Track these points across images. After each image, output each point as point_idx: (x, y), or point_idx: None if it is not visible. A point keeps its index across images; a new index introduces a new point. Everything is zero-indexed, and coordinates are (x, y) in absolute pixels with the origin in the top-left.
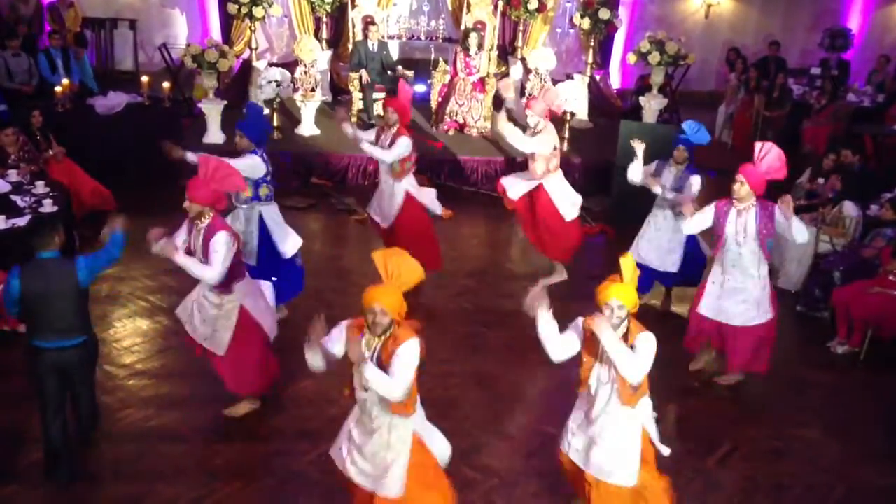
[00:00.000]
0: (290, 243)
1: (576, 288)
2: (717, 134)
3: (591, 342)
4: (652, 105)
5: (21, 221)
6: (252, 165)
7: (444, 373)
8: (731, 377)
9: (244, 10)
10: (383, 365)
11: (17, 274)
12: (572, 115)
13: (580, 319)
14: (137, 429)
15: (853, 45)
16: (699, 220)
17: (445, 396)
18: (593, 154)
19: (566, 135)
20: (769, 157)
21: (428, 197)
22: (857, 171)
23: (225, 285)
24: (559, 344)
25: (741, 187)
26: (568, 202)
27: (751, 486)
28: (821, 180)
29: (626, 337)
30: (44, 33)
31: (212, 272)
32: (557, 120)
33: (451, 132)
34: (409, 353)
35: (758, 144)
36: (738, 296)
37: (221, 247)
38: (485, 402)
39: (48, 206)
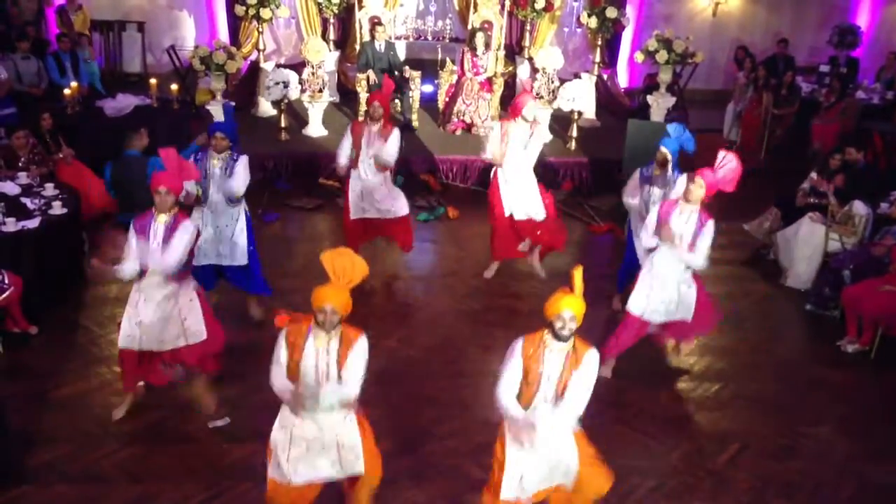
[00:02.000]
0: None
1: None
2: (726, 132)
3: (531, 361)
4: (660, 104)
5: (31, 224)
6: (245, 165)
7: (453, 373)
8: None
9: (251, 11)
10: (339, 364)
11: (109, 166)
12: (580, 113)
13: (518, 345)
14: (146, 429)
15: (862, 42)
16: (650, 225)
17: (455, 396)
18: (601, 153)
19: (574, 133)
20: (727, 167)
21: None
22: (862, 169)
23: (184, 274)
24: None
25: (697, 190)
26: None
27: (761, 485)
28: (811, 176)
29: (574, 351)
30: (51, 35)
31: (173, 256)
32: (566, 119)
33: (458, 132)
34: (363, 350)
35: (720, 153)
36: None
37: (187, 234)
38: (489, 400)
39: (58, 209)
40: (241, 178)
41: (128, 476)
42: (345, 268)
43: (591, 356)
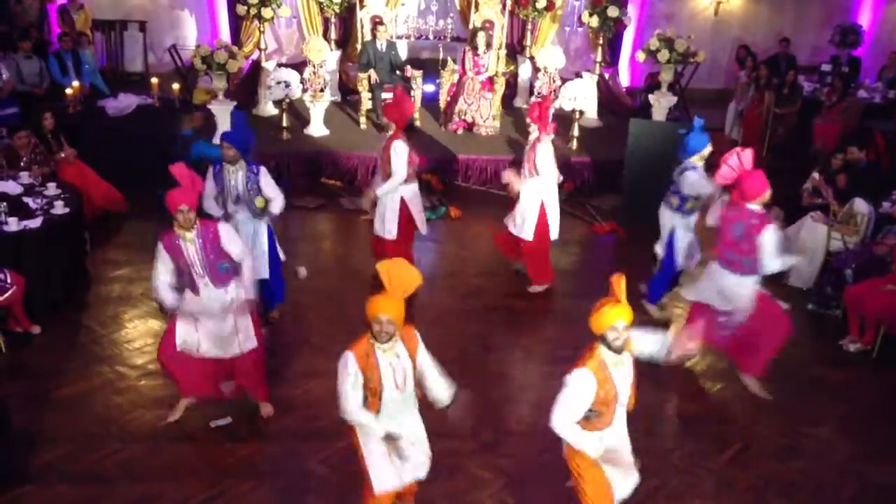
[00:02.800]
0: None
1: (585, 286)
2: (728, 131)
3: (605, 383)
4: (661, 103)
5: (33, 223)
6: (267, 176)
7: (454, 372)
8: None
9: (253, 11)
10: (413, 363)
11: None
12: (581, 113)
13: (578, 378)
14: (149, 429)
15: (864, 41)
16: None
17: (457, 396)
18: (603, 152)
19: (576, 133)
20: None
21: (418, 210)
22: (864, 168)
23: (234, 272)
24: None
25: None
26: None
27: (762, 485)
28: (813, 177)
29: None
30: (52, 35)
31: (249, 257)
32: (567, 118)
33: (459, 131)
34: (423, 343)
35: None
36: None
37: (235, 234)
38: (495, 401)
39: (60, 208)
40: (273, 192)
41: (129, 476)
42: (401, 278)
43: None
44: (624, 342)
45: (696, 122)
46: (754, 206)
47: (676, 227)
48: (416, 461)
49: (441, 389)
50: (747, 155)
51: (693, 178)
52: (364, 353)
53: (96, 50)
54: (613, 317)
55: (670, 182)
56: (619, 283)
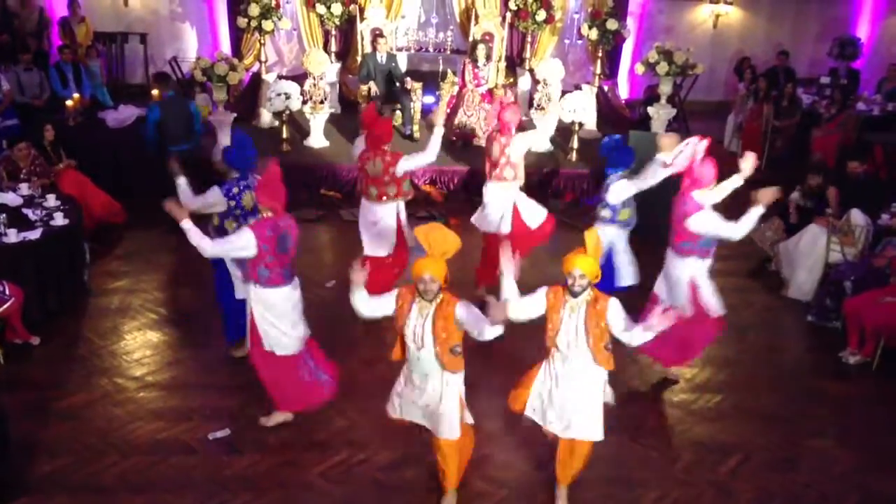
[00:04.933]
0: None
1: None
2: (727, 143)
3: (554, 308)
4: (661, 115)
5: (32, 235)
6: (205, 205)
7: None
8: None
9: (254, 23)
10: (437, 326)
11: (156, 108)
12: (581, 125)
13: (544, 289)
14: (147, 440)
15: (862, 53)
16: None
17: None
18: (602, 164)
19: (575, 145)
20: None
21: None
22: (862, 180)
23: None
24: (521, 305)
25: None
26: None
27: (764, 496)
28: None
29: (594, 302)
30: (53, 47)
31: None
32: (567, 130)
33: (459, 143)
34: (466, 306)
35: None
36: None
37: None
38: (495, 412)
39: (59, 220)
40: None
41: (128, 487)
42: (437, 239)
43: (615, 303)
44: (581, 289)
45: (615, 138)
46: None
47: (615, 243)
48: (430, 413)
49: (481, 332)
50: (702, 145)
51: (617, 186)
52: (408, 295)
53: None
54: (573, 264)
55: (598, 200)
56: (590, 236)
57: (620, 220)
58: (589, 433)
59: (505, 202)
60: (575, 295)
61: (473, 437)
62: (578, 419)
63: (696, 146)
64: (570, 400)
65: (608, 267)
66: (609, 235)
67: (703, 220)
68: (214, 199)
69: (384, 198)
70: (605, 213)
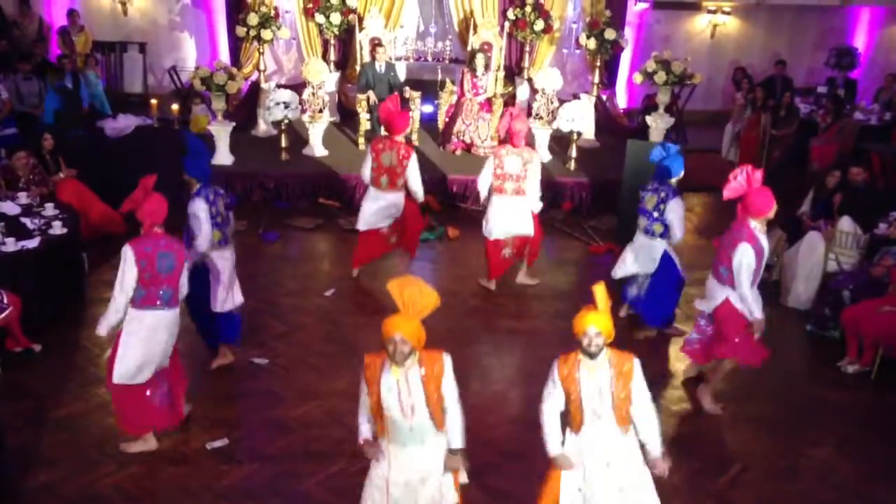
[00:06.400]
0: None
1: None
2: (725, 153)
3: (569, 378)
4: (658, 124)
5: (31, 244)
6: (205, 230)
7: None
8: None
9: (252, 32)
10: (428, 389)
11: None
12: (579, 134)
13: (553, 367)
14: (144, 450)
15: (860, 63)
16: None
17: None
18: (600, 173)
19: (573, 154)
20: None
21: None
22: (860, 188)
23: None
24: (556, 420)
25: None
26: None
27: None
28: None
29: (610, 364)
30: (51, 57)
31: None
32: (565, 139)
33: (458, 152)
34: (451, 371)
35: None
36: None
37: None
38: (495, 423)
39: (57, 229)
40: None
41: (125, 497)
42: (412, 296)
43: (637, 366)
44: (598, 349)
45: (672, 146)
46: (755, 224)
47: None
48: (426, 497)
49: (453, 434)
50: (757, 174)
51: (680, 207)
52: (374, 364)
53: (98, 71)
54: (587, 322)
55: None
56: (599, 291)
57: (668, 235)
58: None
59: (518, 214)
60: (592, 356)
61: None
62: (638, 497)
63: (751, 175)
64: (617, 480)
65: (667, 276)
66: (659, 249)
67: (744, 254)
68: (202, 213)
69: (395, 186)
70: (656, 227)
